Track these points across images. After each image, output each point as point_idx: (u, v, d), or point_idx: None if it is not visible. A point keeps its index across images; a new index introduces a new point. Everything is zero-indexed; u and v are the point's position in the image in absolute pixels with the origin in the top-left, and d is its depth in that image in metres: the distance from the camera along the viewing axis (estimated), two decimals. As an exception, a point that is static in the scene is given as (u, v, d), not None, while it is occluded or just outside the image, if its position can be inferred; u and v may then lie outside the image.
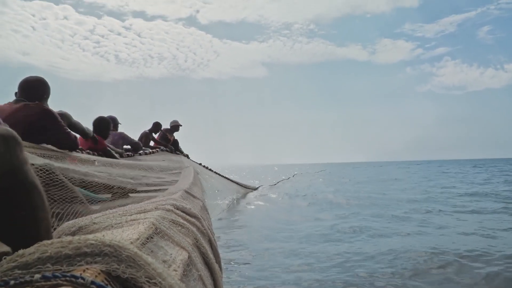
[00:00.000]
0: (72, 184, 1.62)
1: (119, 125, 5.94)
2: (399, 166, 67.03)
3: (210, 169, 9.90)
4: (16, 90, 2.69)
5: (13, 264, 0.52)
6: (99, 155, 3.53)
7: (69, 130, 2.78)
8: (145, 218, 1.09)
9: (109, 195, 2.07)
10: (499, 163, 62.61)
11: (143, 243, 0.86)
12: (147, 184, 3.43)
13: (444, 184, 18.60)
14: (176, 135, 9.06)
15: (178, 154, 8.73)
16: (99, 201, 1.89)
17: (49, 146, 2.44)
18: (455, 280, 4.29)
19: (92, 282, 0.49)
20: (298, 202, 12.41)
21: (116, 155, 4.27)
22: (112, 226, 1.00)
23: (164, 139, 8.41)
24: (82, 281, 0.48)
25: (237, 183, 13.17)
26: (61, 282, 0.47)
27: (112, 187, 2.30)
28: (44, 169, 1.43)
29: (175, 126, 8.86)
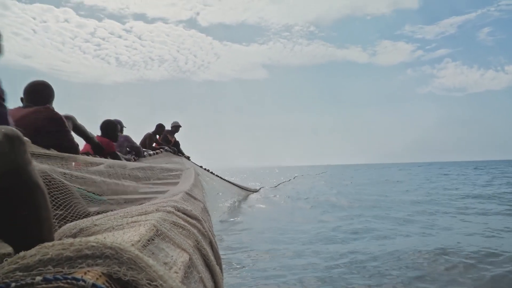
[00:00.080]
0: (74, 185, 1.62)
1: (124, 128, 5.98)
2: (399, 168, 66.95)
3: (211, 172, 9.89)
4: (22, 95, 2.74)
5: (14, 266, 0.51)
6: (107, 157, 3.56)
7: (72, 136, 2.85)
8: (146, 220, 1.09)
9: (110, 197, 2.07)
10: (500, 165, 62.51)
11: (144, 245, 0.86)
12: (148, 186, 3.43)
13: (446, 186, 18.57)
14: (177, 136, 9.08)
15: (180, 155, 8.75)
16: (101, 203, 1.89)
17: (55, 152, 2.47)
18: (461, 280, 4.29)
19: (93, 285, 0.49)
20: (300, 204, 12.37)
21: (124, 160, 4.30)
22: (113, 228, 1.00)
23: (165, 141, 8.44)
24: (83, 283, 0.48)
25: (238, 186, 13.13)
26: (62, 284, 0.47)
27: (113, 189, 2.30)
28: (46, 172, 1.44)
29: (175, 127, 8.89)
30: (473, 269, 4.65)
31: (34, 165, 0.88)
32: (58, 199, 1.31)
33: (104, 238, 0.65)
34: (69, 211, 1.32)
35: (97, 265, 0.56)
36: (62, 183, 1.40)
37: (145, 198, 2.14)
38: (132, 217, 1.14)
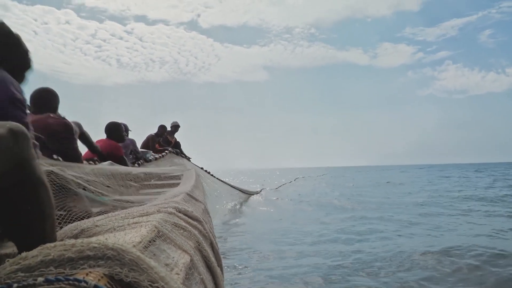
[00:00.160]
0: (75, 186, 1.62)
1: (129, 131, 5.98)
2: (400, 170, 66.89)
3: (212, 175, 9.87)
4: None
5: (16, 266, 0.51)
6: (114, 161, 3.59)
7: (77, 145, 2.95)
8: (147, 221, 1.09)
9: (111, 197, 2.07)
10: (501, 167, 62.38)
11: (145, 246, 0.86)
12: (149, 187, 3.43)
13: (449, 188, 18.54)
14: (178, 137, 9.09)
15: (182, 157, 8.75)
16: (102, 203, 1.89)
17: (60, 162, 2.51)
18: (468, 281, 4.31)
19: (95, 286, 0.48)
20: (302, 206, 12.32)
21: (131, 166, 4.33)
22: (115, 228, 1.00)
23: (165, 142, 8.45)
24: (85, 284, 0.48)
25: (238, 189, 13.03)
26: (64, 285, 0.47)
27: (115, 190, 2.30)
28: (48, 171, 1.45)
29: (174, 127, 8.90)
30: (479, 269, 4.67)
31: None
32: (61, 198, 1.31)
33: (106, 239, 0.65)
34: (70, 209, 1.32)
35: (99, 266, 0.56)
36: (66, 180, 1.41)
37: (146, 199, 2.14)
38: (133, 218, 1.14)
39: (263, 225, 8.59)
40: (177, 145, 8.99)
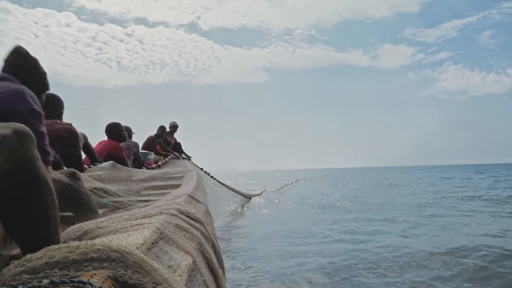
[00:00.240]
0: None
1: (133, 134, 5.99)
2: (401, 171, 66.79)
3: (212, 176, 9.84)
4: None
5: (21, 268, 0.52)
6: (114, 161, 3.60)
7: (81, 153, 3.02)
8: (150, 223, 1.09)
9: (114, 199, 2.07)
10: (501, 168, 62.27)
11: (148, 248, 0.86)
12: (151, 188, 3.44)
13: (451, 190, 18.51)
14: (178, 137, 9.08)
15: (184, 158, 8.74)
16: (104, 205, 1.89)
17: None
18: (476, 280, 4.30)
19: (100, 288, 0.48)
20: (305, 208, 12.26)
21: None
22: (118, 230, 1.00)
23: (165, 143, 8.45)
24: (89, 286, 0.48)
25: (238, 193, 12.91)
26: (69, 287, 0.47)
27: (116, 192, 2.31)
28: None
29: (173, 127, 8.90)
30: (486, 270, 4.67)
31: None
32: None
33: (110, 241, 0.65)
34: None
35: (103, 268, 0.56)
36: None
37: (148, 201, 2.14)
38: (136, 219, 1.14)
39: (266, 226, 8.57)
40: (177, 146, 8.98)
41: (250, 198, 14.17)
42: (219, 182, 10.39)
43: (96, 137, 4.71)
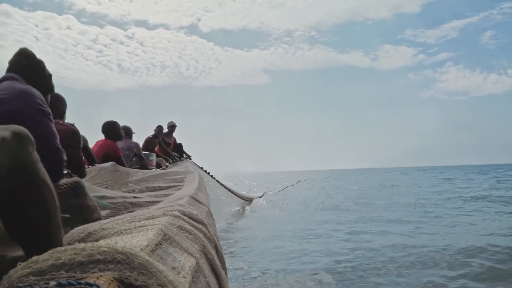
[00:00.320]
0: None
1: (133, 134, 5.98)
2: (402, 172, 66.65)
3: (212, 176, 9.81)
4: None
5: (28, 270, 0.52)
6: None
7: (82, 154, 2.97)
8: (153, 225, 1.09)
9: (117, 201, 2.08)
10: (503, 169, 62.08)
11: (152, 249, 0.86)
12: (154, 189, 3.44)
13: (455, 190, 18.46)
14: (180, 139, 9.07)
15: (184, 158, 8.73)
16: (106, 207, 1.90)
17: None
18: (486, 279, 4.30)
19: (106, 290, 0.49)
20: (309, 209, 12.20)
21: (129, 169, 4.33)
22: (121, 232, 1.00)
23: (164, 143, 8.42)
24: (96, 288, 0.48)
25: (239, 196, 12.80)
26: (75, 289, 0.47)
27: (120, 193, 2.31)
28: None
29: (171, 127, 8.86)
30: (494, 269, 4.69)
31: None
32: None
33: (115, 243, 0.66)
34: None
35: (108, 270, 0.56)
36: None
37: (151, 202, 2.15)
38: (139, 221, 1.15)
39: (270, 227, 8.54)
40: (179, 147, 8.95)
41: (251, 201, 14.10)
42: (220, 184, 10.37)
43: (97, 139, 4.73)
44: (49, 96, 1.98)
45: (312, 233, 7.56)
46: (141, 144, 7.68)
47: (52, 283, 0.48)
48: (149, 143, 7.81)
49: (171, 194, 2.71)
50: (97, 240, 0.94)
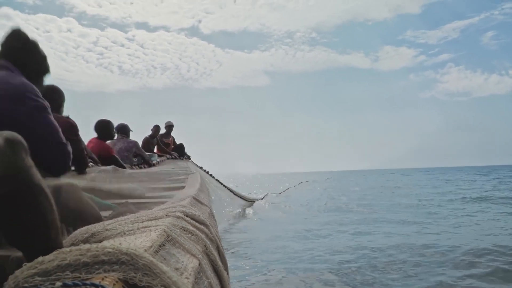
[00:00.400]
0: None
1: (130, 132, 5.90)
2: (403, 173, 66.53)
3: (212, 175, 9.81)
4: None
5: (33, 271, 0.52)
6: (106, 162, 3.57)
7: (83, 147, 2.92)
8: (156, 225, 1.10)
9: (119, 201, 2.08)
10: (505, 170, 61.96)
11: (156, 250, 0.86)
12: (155, 190, 3.44)
13: (458, 191, 18.45)
14: (181, 139, 9.07)
15: (184, 158, 8.72)
16: (109, 207, 1.90)
17: None
18: (496, 279, 4.31)
19: (111, 290, 0.49)
20: (312, 210, 12.18)
21: (125, 165, 4.31)
22: (125, 233, 1.01)
23: (162, 144, 8.41)
24: (101, 289, 0.48)
25: (240, 196, 12.77)
26: (81, 290, 0.47)
27: (121, 193, 2.31)
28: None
29: (168, 127, 8.85)
30: (502, 269, 4.71)
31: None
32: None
33: (120, 244, 0.66)
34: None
35: (113, 270, 0.57)
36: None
37: (153, 203, 2.15)
38: (142, 222, 1.15)
39: (273, 227, 8.53)
40: (180, 147, 8.93)
41: (253, 202, 14.05)
42: (221, 183, 10.35)
43: (90, 136, 4.72)
44: (43, 79, 1.90)
45: (316, 233, 7.56)
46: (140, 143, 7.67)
47: (58, 283, 0.48)
48: (147, 143, 7.81)
49: (173, 195, 2.70)
50: (100, 241, 0.94)
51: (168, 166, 6.00)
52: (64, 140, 1.78)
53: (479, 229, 7.51)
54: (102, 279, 0.54)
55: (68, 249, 0.58)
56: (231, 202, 11.31)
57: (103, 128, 4.57)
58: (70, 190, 1.32)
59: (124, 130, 5.69)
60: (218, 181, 10.16)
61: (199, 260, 1.13)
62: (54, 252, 0.57)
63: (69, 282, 0.48)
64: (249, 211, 12.09)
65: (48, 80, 1.99)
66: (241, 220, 10.20)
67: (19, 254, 0.87)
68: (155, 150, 8.00)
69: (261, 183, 36.29)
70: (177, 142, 9.06)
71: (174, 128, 8.90)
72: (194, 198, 2.41)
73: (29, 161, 0.83)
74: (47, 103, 1.72)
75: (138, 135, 7.78)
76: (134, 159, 5.55)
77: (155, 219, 1.21)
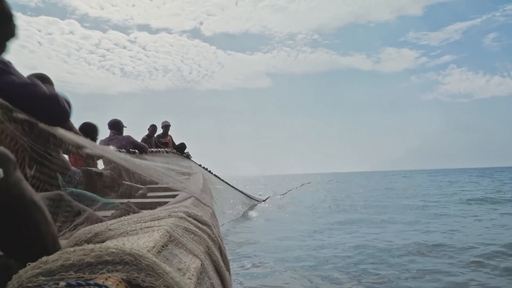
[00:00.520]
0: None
1: (124, 128, 5.65)
2: (406, 175, 66.39)
3: (214, 174, 9.77)
4: None
5: (37, 270, 0.53)
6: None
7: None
8: (159, 226, 1.10)
9: (122, 201, 2.08)
10: (506, 172, 61.73)
11: (159, 251, 0.87)
12: (158, 189, 3.45)
13: (463, 192, 18.40)
14: (182, 139, 9.06)
15: (185, 156, 8.71)
16: (113, 207, 1.91)
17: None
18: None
19: (115, 291, 0.49)
20: (316, 211, 12.12)
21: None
22: (128, 233, 1.01)
23: (160, 143, 8.41)
24: (104, 289, 0.48)
25: (243, 193, 12.76)
26: (85, 290, 0.47)
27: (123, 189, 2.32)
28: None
29: (165, 127, 8.83)
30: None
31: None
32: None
33: (123, 244, 0.66)
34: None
35: (117, 271, 0.57)
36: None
37: (156, 203, 2.15)
38: (145, 222, 1.15)
39: (277, 229, 8.51)
40: (181, 146, 8.92)
41: (258, 201, 14.03)
42: (224, 182, 10.32)
43: (98, 143, 4.68)
44: (8, 43, 1.66)
45: (323, 234, 7.53)
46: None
47: (62, 283, 0.49)
48: (145, 143, 7.81)
49: (176, 195, 2.71)
50: (103, 241, 0.95)
51: (169, 160, 5.90)
52: (33, 81, 1.61)
53: (486, 230, 7.51)
54: (106, 279, 0.54)
55: (72, 249, 0.58)
56: (235, 202, 11.31)
57: (92, 131, 4.40)
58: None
59: (117, 126, 5.44)
60: (218, 177, 10.10)
61: (201, 261, 1.13)
62: (58, 252, 0.58)
63: (72, 282, 0.49)
64: (253, 213, 12.06)
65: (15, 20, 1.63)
66: (246, 221, 10.19)
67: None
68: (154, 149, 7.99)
69: (263, 185, 36.32)
70: (176, 142, 9.05)
71: (173, 129, 8.92)
72: (197, 199, 2.41)
73: (19, 175, 0.82)
74: (7, 61, 1.56)
75: (139, 136, 7.78)
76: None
77: (158, 219, 1.21)
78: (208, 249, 1.39)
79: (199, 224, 1.55)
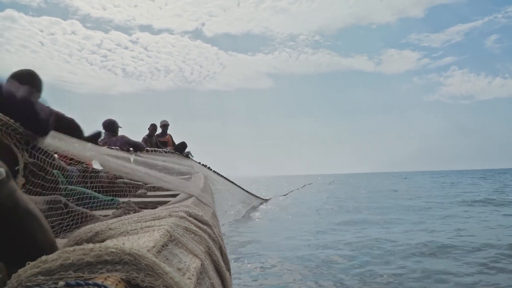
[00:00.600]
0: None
1: (119, 128, 5.58)
2: (408, 176, 66.25)
3: (217, 173, 9.73)
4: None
5: (37, 270, 0.52)
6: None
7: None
8: (159, 225, 1.10)
9: (123, 199, 2.09)
10: (508, 173, 61.50)
11: (159, 250, 0.87)
12: (159, 189, 3.45)
13: (466, 194, 18.35)
14: (183, 139, 9.07)
15: (185, 155, 8.70)
16: (114, 206, 1.91)
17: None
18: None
19: (114, 291, 0.49)
20: (320, 212, 12.10)
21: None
22: (128, 232, 1.01)
23: (159, 143, 8.42)
24: (103, 289, 0.48)
25: (246, 191, 12.77)
26: (84, 290, 0.47)
27: (124, 187, 2.32)
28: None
29: (164, 126, 8.85)
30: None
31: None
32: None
33: (123, 243, 0.66)
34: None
35: (116, 270, 0.57)
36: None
37: (156, 202, 2.16)
38: (145, 221, 1.15)
39: (285, 229, 8.49)
40: (183, 145, 8.93)
41: (263, 200, 14.01)
42: (227, 179, 10.29)
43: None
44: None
45: (327, 234, 7.52)
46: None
47: (61, 283, 0.49)
48: (145, 143, 7.81)
49: (177, 194, 2.72)
50: (103, 240, 0.95)
51: (170, 159, 5.89)
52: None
53: (492, 231, 7.50)
54: (105, 279, 0.54)
55: (71, 248, 0.58)
56: (235, 202, 11.30)
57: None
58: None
59: (111, 127, 5.38)
60: (219, 174, 10.06)
61: (201, 261, 1.13)
62: (58, 251, 0.58)
63: (72, 281, 0.49)
64: (256, 213, 12.04)
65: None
66: (249, 221, 10.19)
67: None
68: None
69: (264, 186, 36.29)
70: (176, 141, 9.05)
71: (175, 129, 8.94)
72: (198, 198, 2.41)
73: (13, 185, 0.81)
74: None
75: (139, 136, 7.79)
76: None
77: (158, 219, 1.21)
78: (209, 249, 1.39)
79: (200, 224, 1.55)
